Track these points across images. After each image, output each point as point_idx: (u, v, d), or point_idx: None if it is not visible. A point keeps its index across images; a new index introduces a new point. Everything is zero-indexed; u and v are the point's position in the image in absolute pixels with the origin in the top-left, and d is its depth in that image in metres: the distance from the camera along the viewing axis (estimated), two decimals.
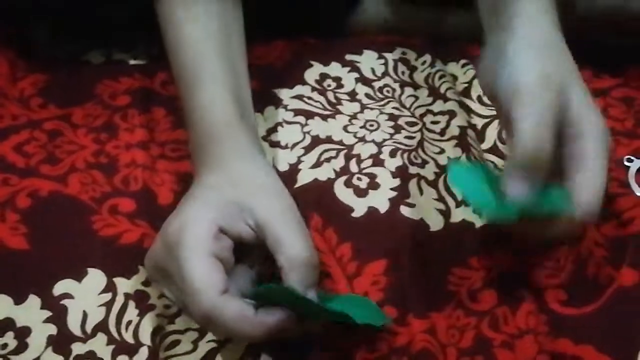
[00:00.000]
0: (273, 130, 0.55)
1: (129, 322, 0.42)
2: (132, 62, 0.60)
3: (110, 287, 0.44)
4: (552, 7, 0.44)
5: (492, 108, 0.57)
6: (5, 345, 0.41)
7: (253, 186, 0.42)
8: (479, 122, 0.56)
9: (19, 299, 0.43)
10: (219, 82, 0.45)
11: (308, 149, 0.53)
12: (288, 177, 0.50)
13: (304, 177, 0.51)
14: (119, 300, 0.43)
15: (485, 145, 0.55)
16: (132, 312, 0.43)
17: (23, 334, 0.42)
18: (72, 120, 0.54)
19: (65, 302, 0.43)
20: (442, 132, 0.55)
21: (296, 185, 0.50)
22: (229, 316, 0.37)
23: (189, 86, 0.46)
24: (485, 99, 0.57)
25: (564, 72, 0.41)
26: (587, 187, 0.40)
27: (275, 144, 0.54)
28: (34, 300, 0.43)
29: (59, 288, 0.44)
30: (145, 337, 0.42)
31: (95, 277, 0.44)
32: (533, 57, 0.41)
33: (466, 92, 0.59)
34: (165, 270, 0.40)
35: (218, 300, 0.37)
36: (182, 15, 0.47)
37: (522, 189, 0.39)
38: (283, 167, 0.52)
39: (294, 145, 0.54)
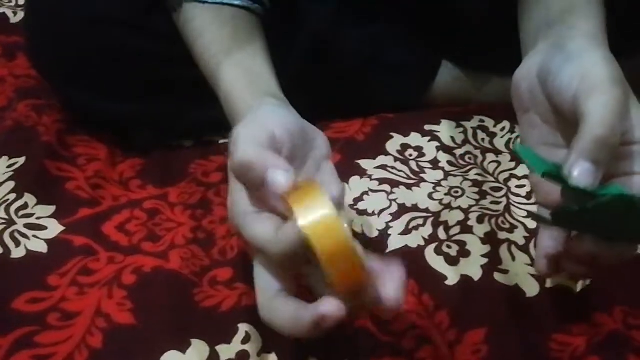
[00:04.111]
0: (359, 199, 0.56)
1: None
2: (221, 141, 0.63)
3: (212, 357, 0.45)
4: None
5: None
6: None
7: None
8: None
9: None
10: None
11: (395, 216, 0.54)
12: (378, 242, 0.51)
13: (394, 243, 0.52)
14: None
15: None
16: None
17: None
18: (169, 199, 0.58)
19: None
20: (528, 196, 0.55)
21: (387, 250, 0.51)
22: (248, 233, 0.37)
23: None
24: None
25: (624, 79, 0.40)
26: None
27: (362, 212, 0.55)
28: None
29: None
30: None
31: (198, 348, 0.46)
32: (601, 55, 0.40)
33: None
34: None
35: (244, 217, 0.38)
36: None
37: (588, 174, 0.37)
38: (372, 233, 0.53)
39: (381, 211, 0.55)
